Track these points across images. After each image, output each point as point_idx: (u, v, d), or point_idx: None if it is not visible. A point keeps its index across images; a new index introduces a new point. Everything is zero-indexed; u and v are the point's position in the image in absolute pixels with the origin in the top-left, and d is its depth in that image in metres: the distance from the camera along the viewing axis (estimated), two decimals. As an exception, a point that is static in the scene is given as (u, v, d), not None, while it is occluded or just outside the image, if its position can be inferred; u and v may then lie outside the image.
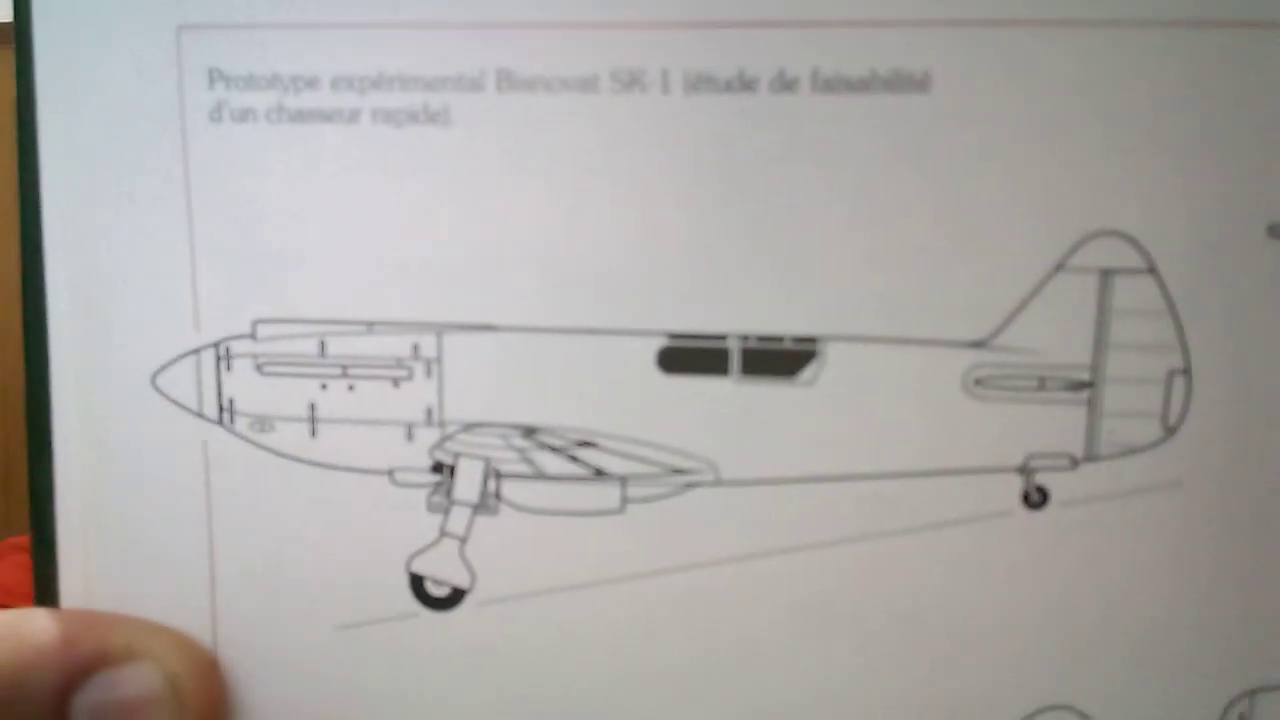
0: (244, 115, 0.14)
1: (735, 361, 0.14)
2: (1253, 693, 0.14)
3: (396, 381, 0.15)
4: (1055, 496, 0.14)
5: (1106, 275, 0.14)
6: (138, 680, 0.14)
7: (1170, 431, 0.14)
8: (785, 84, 0.14)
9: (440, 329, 0.15)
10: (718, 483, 0.15)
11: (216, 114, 0.14)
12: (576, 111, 0.14)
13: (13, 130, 0.15)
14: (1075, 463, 0.14)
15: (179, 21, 0.14)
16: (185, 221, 0.15)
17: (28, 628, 0.14)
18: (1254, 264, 0.14)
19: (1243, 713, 0.15)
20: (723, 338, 0.14)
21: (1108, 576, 0.14)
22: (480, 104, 0.14)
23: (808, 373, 0.14)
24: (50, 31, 0.14)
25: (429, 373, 0.15)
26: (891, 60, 0.14)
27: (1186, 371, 0.14)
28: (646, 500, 0.15)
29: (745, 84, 0.14)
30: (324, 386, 0.15)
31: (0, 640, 0.14)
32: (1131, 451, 0.14)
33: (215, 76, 0.14)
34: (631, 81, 0.14)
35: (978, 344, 0.14)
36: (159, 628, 0.15)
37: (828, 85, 0.14)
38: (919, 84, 0.14)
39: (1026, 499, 0.14)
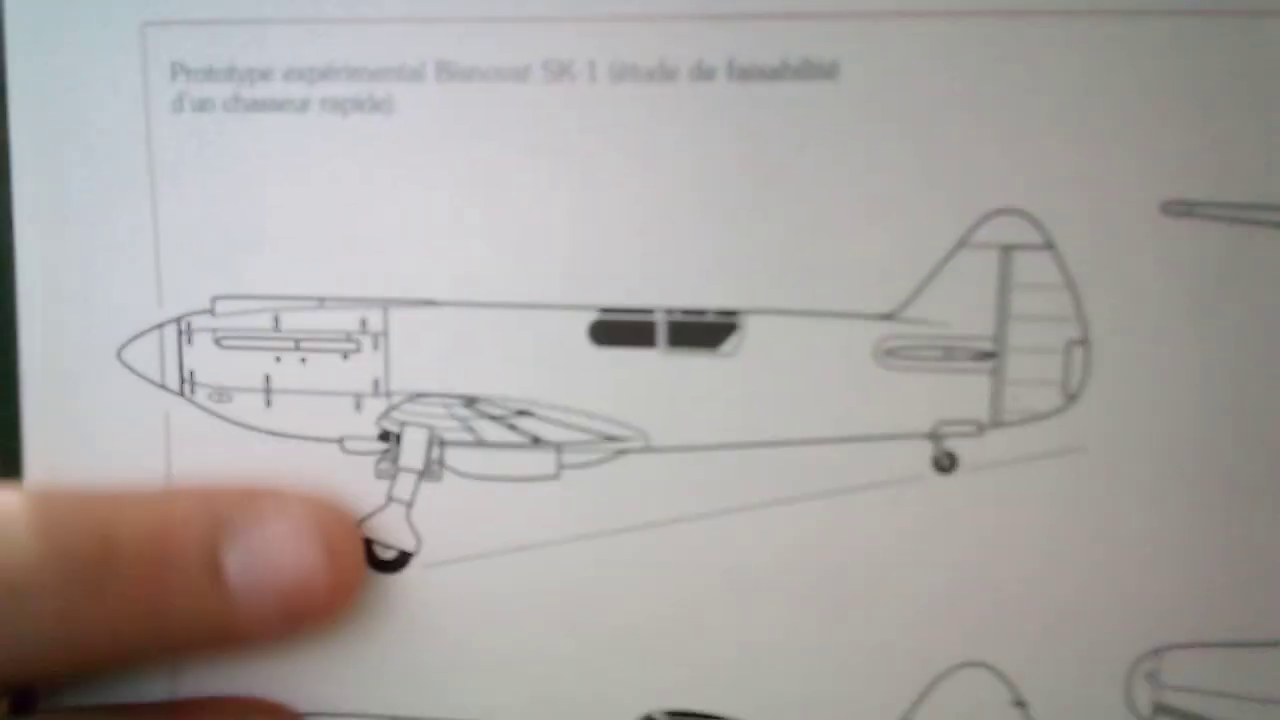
0: (203, 105, 0.15)
1: (662, 334, 0.15)
2: (1158, 651, 0.15)
3: (345, 354, 0.16)
4: (964, 461, 0.15)
5: (1007, 251, 0.15)
6: (285, 526, 0.15)
7: (1071, 399, 0.15)
8: (703, 73, 0.15)
9: (386, 304, 0.16)
10: (647, 449, 0.16)
11: (178, 104, 0.15)
12: (510, 99, 0.15)
13: None
14: (982, 429, 0.15)
15: (144, 18, 0.15)
16: (149, 204, 0.16)
17: (177, 491, 0.15)
18: (1148, 240, 0.15)
19: (1150, 670, 0.15)
20: (649, 311, 0.15)
21: (1016, 538, 0.15)
22: (421, 93, 0.15)
23: (729, 344, 0.15)
24: (20, 25, 0.16)
25: (376, 346, 0.16)
26: (802, 50, 0.15)
27: (1085, 342, 0.15)
28: (581, 466, 0.16)
29: (666, 73, 0.15)
30: (278, 359, 0.16)
31: (150, 501, 0.15)
32: (1035, 418, 0.15)
33: (177, 69, 0.15)
34: (561, 71, 0.15)
35: (887, 316, 0.15)
36: (300, 490, 0.16)
37: (743, 74, 0.15)
38: (827, 72, 0.15)
39: (937, 464, 0.15)
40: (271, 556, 0.14)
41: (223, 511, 0.15)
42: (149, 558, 0.14)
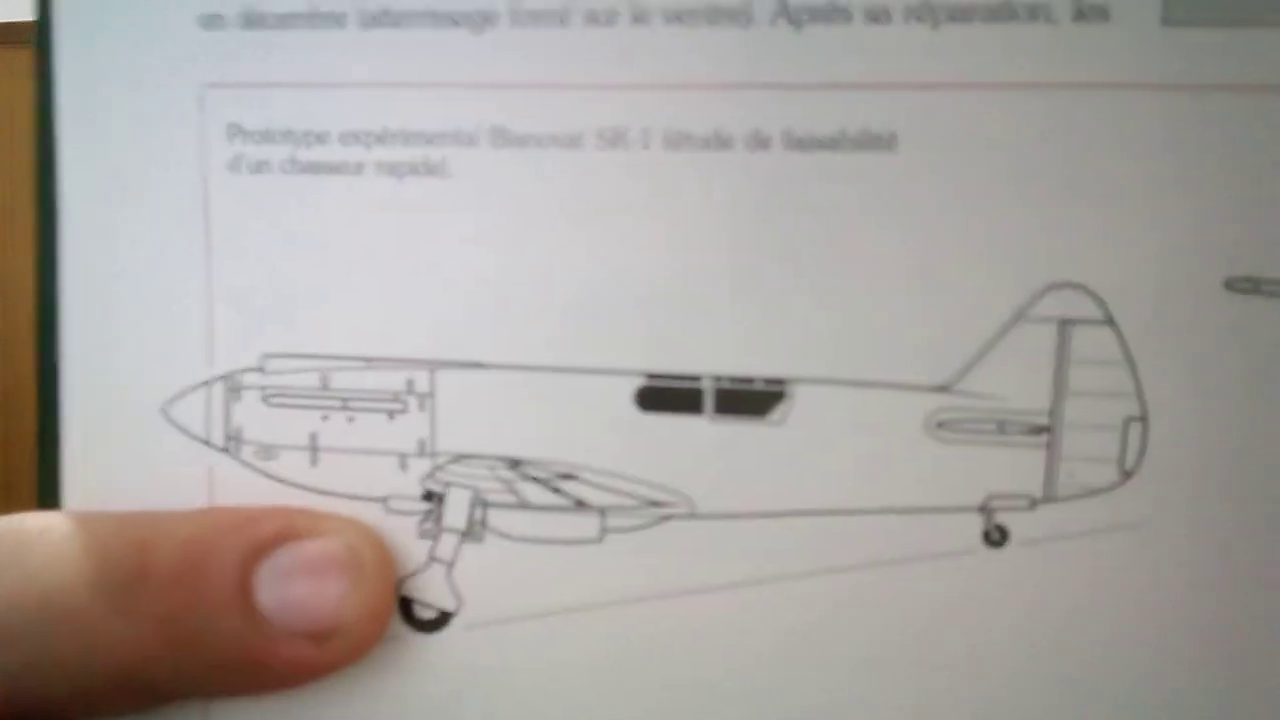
0: (259, 167, 0.16)
1: (709, 401, 0.15)
2: (1211, 732, 0.15)
3: (392, 414, 0.16)
4: (1015, 536, 0.15)
5: (1065, 325, 0.15)
6: (321, 547, 0.15)
7: (1127, 476, 0.15)
8: (760, 142, 0.15)
9: (433, 366, 0.16)
10: (692, 515, 0.15)
11: (235, 165, 0.16)
12: (563, 166, 0.15)
13: (31, 149, 0.16)
14: (1034, 504, 0.15)
15: (203, 81, 0.15)
16: (203, 262, 0.16)
17: (216, 510, 0.15)
18: (1210, 316, 0.14)
19: (1202, 752, 0.15)
20: (697, 378, 0.15)
21: (1066, 613, 0.15)
22: (475, 158, 0.15)
23: (777, 413, 0.15)
24: (75, 83, 0.16)
25: (422, 407, 0.16)
26: (860, 121, 0.14)
27: (1143, 419, 0.15)
28: (625, 531, 0.16)
29: (722, 142, 0.15)
30: (325, 418, 0.16)
31: (189, 516, 0.15)
32: (1089, 494, 0.15)
33: (234, 131, 0.16)
34: (615, 139, 0.15)
35: (941, 388, 0.15)
36: (335, 513, 0.16)
37: (799, 144, 0.15)
38: (886, 143, 0.14)
39: (987, 537, 0.15)
40: (301, 576, 0.14)
41: (258, 531, 0.15)
42: (181, 575, 0.14)
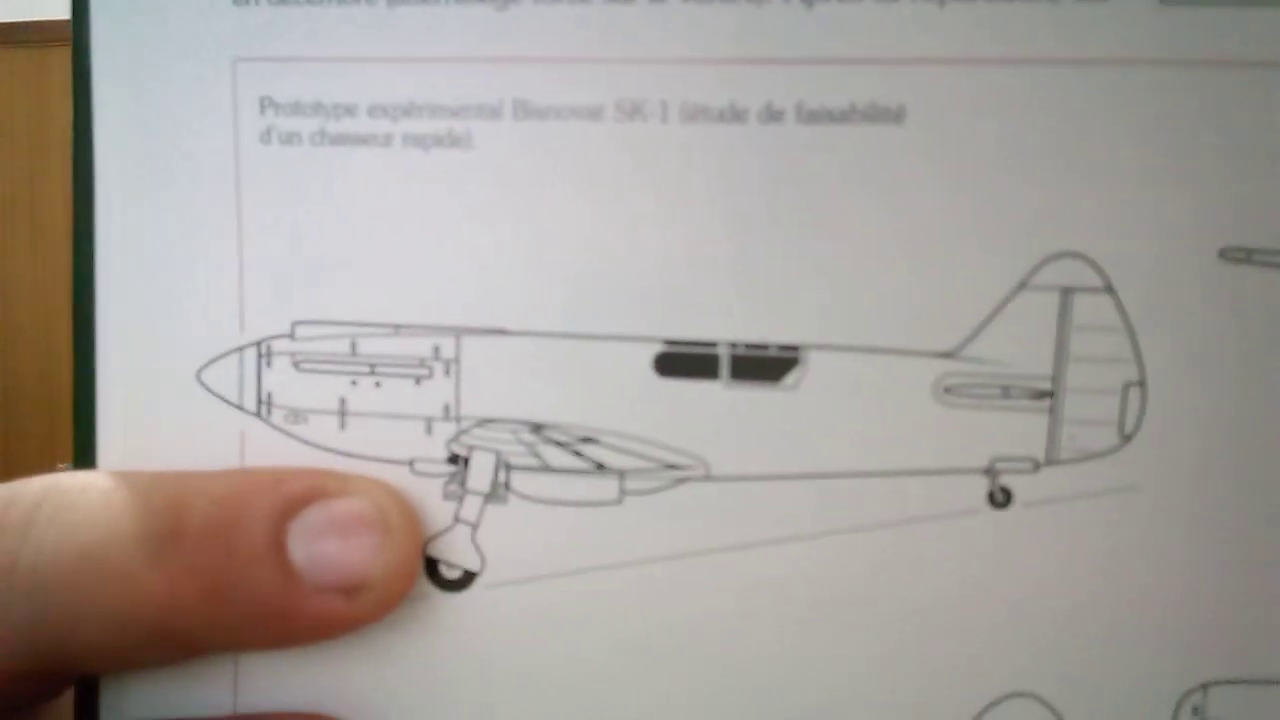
0: (290, 138, 0.16)
1: (725, 367, 0.16)
2: (1206, 685, 0.15)
3: (418, 379, 0.16)
4: (1019, 497, 0.16)
5: (1066, 293, 0.15)
6: (350, 506, 0.15)
7: (1126, 439, 0.15)
8: (772, 115, 0.15)
9: (458, 332, 0.16)
10: (708, 478, 0.16)
11: (266, 137, 0.16)
12: (584, 138, 0.15)
13: (68, 133, 0.16)
14: (1037, 466, 0.15)
15: (236, 54, 0.16)
16: (235, 232, 0.16)
17: (249, 470, 0.16)
18: (1206, 284, 0.15)
19: (1196, 704, 0.16)
20: (714, 345, 0.16)
21: (1068, 573, 0.16)
22: (499, 130, 0.16)
23: (791, 378, 0.16)
24: (110, 58, 0.16)
25: (448, 372, 0.16)
26: (869, 94, 0.15)
27: (1142, 384, 0.15)
28: (643, 493, 0.16)
29: (736, 115, 0.15)
30: (354, 383, 0.16)
31: (223, 476, 0.15)
32: (1090, 457, 0.15)
33: (266, 104, 0.16)
34: (634, 111, 0.15)
35: (947, 354, 0.15)
36: (365, 474, 0.16)
37: (811, 116, 0.15)
38: (894, 116, 0.15)
39: (992, 499, 0.16)
40: (332, 533, 0.15)
41: (290, 489, 0.15)
42: (215, 530, 0.15)
